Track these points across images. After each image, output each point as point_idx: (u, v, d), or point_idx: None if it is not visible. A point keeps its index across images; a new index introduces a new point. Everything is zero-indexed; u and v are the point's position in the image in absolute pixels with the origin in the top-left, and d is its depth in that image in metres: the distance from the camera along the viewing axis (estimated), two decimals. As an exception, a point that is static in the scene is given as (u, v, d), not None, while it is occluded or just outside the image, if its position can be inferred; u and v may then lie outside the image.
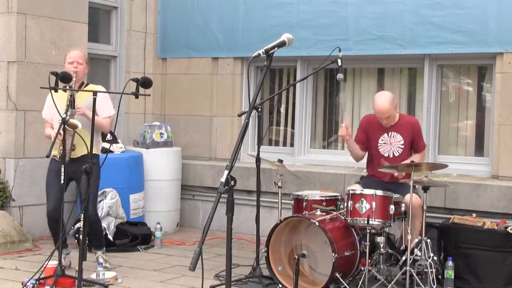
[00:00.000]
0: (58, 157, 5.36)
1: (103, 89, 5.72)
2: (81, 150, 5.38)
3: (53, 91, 4.97)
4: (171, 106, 8.15)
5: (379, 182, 5.61)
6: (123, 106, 7.66)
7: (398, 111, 5.85)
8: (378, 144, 5.72)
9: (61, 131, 5.15)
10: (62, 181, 5.18)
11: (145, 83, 4.97)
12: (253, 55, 3.37)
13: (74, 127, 5.09)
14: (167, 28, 8.16)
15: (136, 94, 4.91)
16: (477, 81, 6.87)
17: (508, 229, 5.30)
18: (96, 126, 5.24)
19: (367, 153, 5.87)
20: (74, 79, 5.27)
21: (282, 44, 3.45)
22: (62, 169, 5.17)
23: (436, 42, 6.58)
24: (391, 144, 5.70)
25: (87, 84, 5.70)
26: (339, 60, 5.24)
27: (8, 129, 6.70)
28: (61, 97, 5.29)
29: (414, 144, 5.75)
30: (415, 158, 5.58)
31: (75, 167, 5.23)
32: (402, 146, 5.68)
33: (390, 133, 5.70)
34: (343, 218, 5.26)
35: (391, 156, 5.69)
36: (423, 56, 6.81)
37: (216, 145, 7.89)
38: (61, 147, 5.22)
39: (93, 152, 5.32)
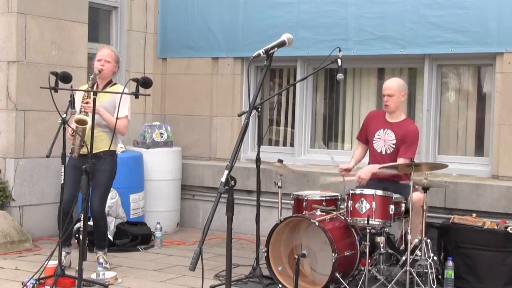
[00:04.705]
0: (74, 154, 5.28)
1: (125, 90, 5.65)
2: (98, 147, 5.36)
3: (53, 91, 4.98)
4: (171, 106, 8.15)
5: (378, 182, 5.57)
6: (123, 106, 7.67)
7: (404, 111, 5.85)
8: (374, 139, 5.74)
9: (70, 131, 5.20)
10: (62, 182, 5.19)
11: (145, 83, 4.98)
12: (253, 55, 3.37)
13: (84, 123, 5.09)
14: (167, 28, 8.15)
15: (136, 94, 4.92)
16: (477, 81, 6.87)
17: (508, 229, 5.30)
18: (109, 126, 5.50)
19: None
20: (93, 76, 5.35)
21: (282, 44, 3.45)
22: (62, 170, 5.18)
23: (436, 42, 6.58)
24: (384, 141, 5.70)
25: (114, 84, 5.74)
26: (339, 60, 5.23)
27: (8, 129, 6.69)
28: (78, 92, 5.41)
29: (401, 148, 5.57)
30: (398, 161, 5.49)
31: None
32: (394, 146, 5.67)
33: (386, 129, 5.71)
34: (343, 218, 5.25)
35: (383, 152, 5.69)
36: (423, 56, 6.81)
37: (216, 145, 7.88)
38: (72, 144, 5.23)
39: (111, 149, 5.47)
